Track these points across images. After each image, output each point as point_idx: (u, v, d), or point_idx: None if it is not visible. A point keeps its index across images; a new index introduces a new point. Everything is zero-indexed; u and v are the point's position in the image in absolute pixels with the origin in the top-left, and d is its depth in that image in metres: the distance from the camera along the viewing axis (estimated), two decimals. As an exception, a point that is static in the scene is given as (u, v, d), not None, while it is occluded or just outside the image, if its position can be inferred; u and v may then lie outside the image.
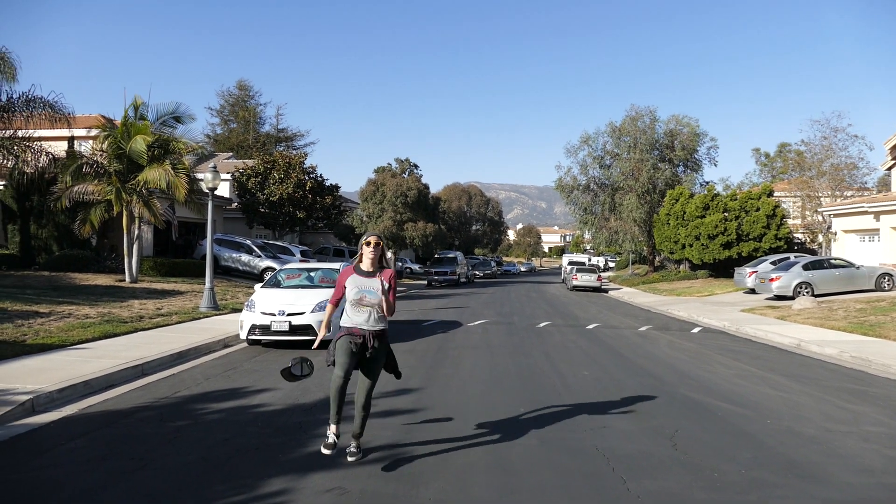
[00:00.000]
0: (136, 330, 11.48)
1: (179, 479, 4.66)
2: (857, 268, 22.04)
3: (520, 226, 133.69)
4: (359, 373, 5.08)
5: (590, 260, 56.57)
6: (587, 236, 62.30)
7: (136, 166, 19.03)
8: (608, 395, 7.76)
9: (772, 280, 21.72)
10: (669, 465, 5.08)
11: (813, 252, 31.39)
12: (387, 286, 4.98)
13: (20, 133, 17.39)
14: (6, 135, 17.01)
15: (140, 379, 8.21)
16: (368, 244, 5.05)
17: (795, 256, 25.71)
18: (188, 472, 4.81)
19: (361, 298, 4.95)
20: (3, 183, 21.54)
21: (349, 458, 4.98)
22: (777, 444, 5.76)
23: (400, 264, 42.17)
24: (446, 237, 46.14)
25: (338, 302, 5.21)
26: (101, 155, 19.95)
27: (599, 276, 34.79)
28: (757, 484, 4.70)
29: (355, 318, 5.00)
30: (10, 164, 19.32)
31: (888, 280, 21.69)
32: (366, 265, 5.03)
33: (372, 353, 4.99)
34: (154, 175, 18.41)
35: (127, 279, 18.95)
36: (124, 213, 18.95)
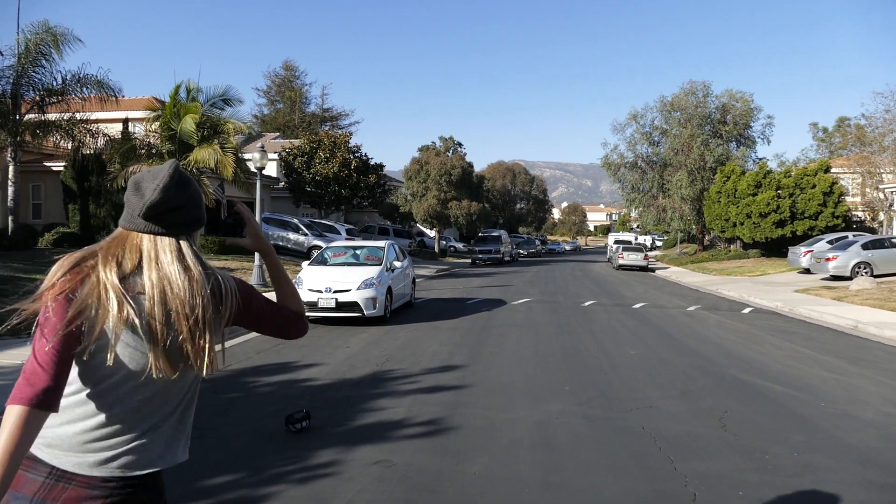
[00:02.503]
0: (189, 305, 11.84)
1: (233, 448, 4.83)
2: (921, 247, 21.05)
3: (564, 204, 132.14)
4: None
5: (636, 238, 55.62)
6: (634, 214, 61.19)
7: (187, 147, 19.50)
8: (655, 375, 7.66)
9: (828, 260, 20.96)
10: (718, 447, 5.00)
11: (873, 231, 30.10)
12: None
13: (78, 115, 18.01)
14: (65, 117, 17.68)
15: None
16: None
17: (854, 235, 24.69)
18: (241, 441, 4.98)
19: None
20: (63, 164, 22.39)
21: None
22: (832, 427, 5.60)
23: (444, 242, 42.30)
24: (490, 216, 45.99)
25: None
26: (153, 136, 20.52)
27: (646, 255, 34.18)
28: (810, 467, 4.59)
29: None
30: (69, 146, 20.10)
31: (955, 260, 20.65)
32: None
33: None
34: (203, 155, 18.83)
35: (179, 256, 19.54)
36: (176, 192, 19.48)
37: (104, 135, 19.86)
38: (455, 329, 11.05)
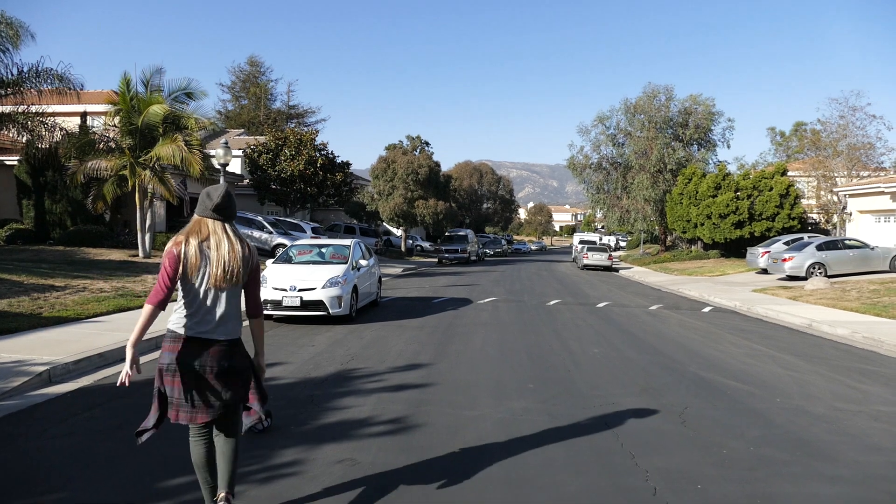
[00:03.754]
0: (149, 304, 11.60)
1: (194, 448, 4.74)
2: (872, 248, 21.82)
3: (531, 204, 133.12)
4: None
5: (601, 239, 56.35)
6: (599, 215, 62.06)
7: (149, 142, 19.07)
8: (618, 372, 7.78)
9: (784, 260, 21.57)
10: (679, 442, 5.11)
11: (827, 232, 31.09)
12: None
13: (34, 108, 17.45)
14: (20, 110, 17.09)
15: (155, 351, 8.30)
16: None
17: (809, 237, 25.46)
18: (202, 442, 4.89)
19: None
20: (17, 158, 21.69)
21: None
22: (786, 422, 5.77)
23: (411, 241, 42.22)
24: (457, 215, 46.08)
25: None
26: (113, 130, 20.00)
27: (610, 255, 34.67)
28: (765, 461, 4.72)
29: None
30: (24, 140, 19.44)
31: (903, 261, 21.46)
32: None
33: None
34: (167, 151, 18.42)
35: (140, 254, 19.11)
36: (137, 188, 19.04)
37: (61, 129, 19.29)
38: (421, 328, 11.04)
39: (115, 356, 7.70)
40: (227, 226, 3.36)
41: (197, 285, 3.30)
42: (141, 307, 11.17)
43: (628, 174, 41.13)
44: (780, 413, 6.06)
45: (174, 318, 3.40)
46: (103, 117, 20.75)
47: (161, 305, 3.22)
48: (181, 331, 3.35)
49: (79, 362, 7.07)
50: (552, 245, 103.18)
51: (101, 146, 19.47)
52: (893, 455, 4.95)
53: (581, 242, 44.46)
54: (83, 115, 22.28)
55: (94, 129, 20.98)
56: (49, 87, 16.85)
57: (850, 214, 27.70)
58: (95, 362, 7.32)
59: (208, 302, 3.34)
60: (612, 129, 42.42)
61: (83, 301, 11.06)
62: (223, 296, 3.35)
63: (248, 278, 3.43)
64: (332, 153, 32.78)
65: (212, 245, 3.29)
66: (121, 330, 8.93)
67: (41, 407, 5.76)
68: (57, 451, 4.67)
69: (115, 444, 4.82)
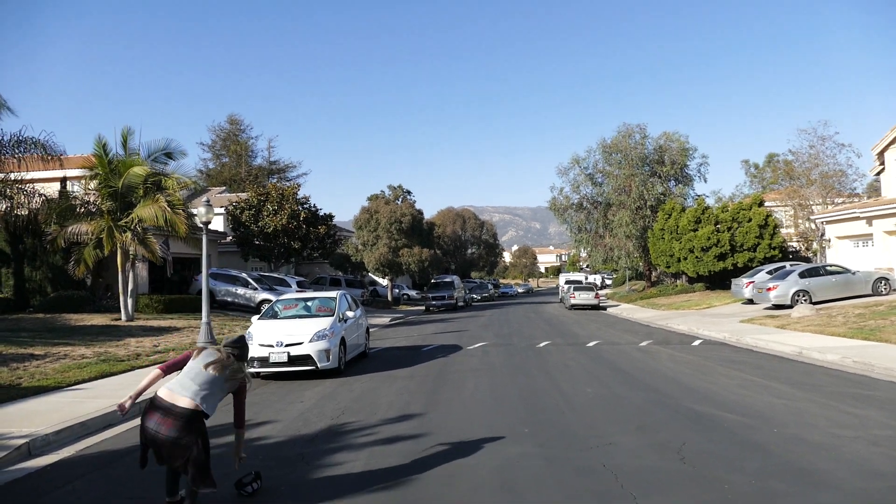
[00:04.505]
0: (132, 368, 11.37)
1: (180, 516, 4.56)
2: (853, 273, 22.08)
3: (515, 247, 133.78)
4: None
5: (587, 278, 56.54)
6: (583, 254, 62.37)
7: (129, 203, 19.03)
8: (612, 411, 7.68)
9: (769, 289, 21.72)
10: (679, 480, 5.02)
11: (808, 259, 31.47)
12: None
13: (13, 175, 17.40)
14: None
15: (138, 418, 8.08)
16: None
17: (791, 265, 25.73)
18: (189, 509, 4.71)
19: None
20: (-5, 227, 21.48)
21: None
22: (785, 452, 5.70)
23: (397, 290, 42.07)
24: (442, 262, 46.12)
25: None
26: (93, 195, 19.95)
27: (597, 294, 34.75)
28: (768, 494, 4.64)
29: None
30: (3, 208, 19.33)
31: (885, 284, 21.72)
32: None
33: None
34: (149, 213, 18.37)
35: (123, 318, 18.82)
36: (118, 251, 18.90)
37: (41, 195, 19.22)
38: (411, 377, 10.89)
39: (97, 424, 7.49)
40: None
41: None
42: (124, 371, 10.94)
43: (609, 212, 41.62)
44: (777, 443, 5.99)
45: None
46: (81, 182, 20.73)
47: (168, 370, 5.06)
48: None
49: (59, 433, 6.85)
50: (538, 287, 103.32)
51: (82, 210, 19.39)
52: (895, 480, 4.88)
53: (567, 283, 44.54)
54: (63, 180, 22.26)
55: (74, 194, 20.93)
56: (30, 155, 16.84)
57: (829, 241, 28.12)
58: (77, 432, 7.10)
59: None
60: (591, 169, 43.10)
61: (64, 368, 10.80)
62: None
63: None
64: (314, 206, 32.92)
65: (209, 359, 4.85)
66: (103, 396, 8.70)
67: (20, 482, 5.55)
68: (36, 528, 4.47)
69: (97, 516, 4.62)
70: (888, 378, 9.43)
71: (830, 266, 23.02)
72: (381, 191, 47.41)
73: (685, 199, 39.63)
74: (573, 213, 43.79)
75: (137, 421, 7.81)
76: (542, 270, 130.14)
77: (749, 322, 18.58)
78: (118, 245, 18.65)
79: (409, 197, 46.48)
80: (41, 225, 19.70)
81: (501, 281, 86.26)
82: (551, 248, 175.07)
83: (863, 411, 7.28)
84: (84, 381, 9.97)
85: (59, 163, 17.61)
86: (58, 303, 20.14)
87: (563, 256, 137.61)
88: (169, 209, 18.62)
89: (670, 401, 8.22)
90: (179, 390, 4.39)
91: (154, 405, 4.40)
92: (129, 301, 19.04)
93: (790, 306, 20.50)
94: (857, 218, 25.12)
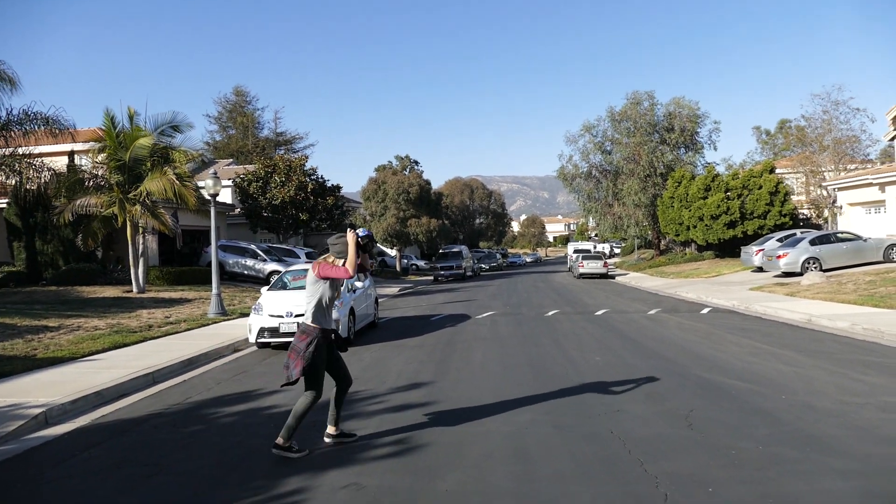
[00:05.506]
0: (145, 339, 11.49)
1: (195, 482, 4.66)
2: (865, 240, 21.89)
3: (523, 217, 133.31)
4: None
5: (595, 247, 56.41)
6: (591, 223, 62.13)
7: (137, 177, 19.04)
8: (621, 379, 7.72)
9: (779, 257, 21.60)
10: (686, 446, 5.05)
11: (819, 227, 31.21)
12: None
13: (21, 150, 17.42)
14: (7, 152, 17.05)
15: (151, 387, 8.21)
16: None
17: (801, 232, 25.54)
18: (204, 475, 4.80)
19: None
20: (6, 201, 21.59)
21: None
22: (793, 419, 5.71)
23: (405, 261, 42.15)
24: (450, 232, 46.12)
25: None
26: (101, 168, 19.97)
27: (605, 263, 34.71)
28: (775, 460, 4.66)
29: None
30: (13, 182, 19.39)
31: (896, 251, 21.54)
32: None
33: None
34: (158, 186, 18.38)
35: (134, 290, 18.99)
36: (128, 224, 18.97)
37: (49, 169, 19.23)
38: (420, 346, 10.96)
39: (112, 394, 7.60)
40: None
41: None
42: (137, 343, 11.08)
43: (618, 180, 41.31)
44: (786, 410, 6.01)
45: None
46: (89, 155, 20.74)
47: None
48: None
49: (75, 402, 6.97)
50: (547, 256, 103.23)
51: (90, 184, 19.43)
52: (904, 445, 4.89)
53: (576, 252, 44.51)
54: (71, 153, 22.26)
55: (82, 167, 20.95)
56: (38, 129, 16.81)
57: (841, 208, 27.84)
58: (92, 401, 7.21)
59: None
60: (600, 137, 42.70)
61: (78, 340, 10.94)
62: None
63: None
64: (321, 177, 32.84)
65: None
66: (117, 367, 8.82)
67: (38, 450, 5.65)
68: (55, 496, 4.57)
69: (115, 482, 4.72)
70: (898, 345, 9.40)
71: (841, 233, 22.83)
72: (389, 161, 47.19)
73: (695, 166, 39.25)
74: (582, 182, 43.52)
75: (150, 390, 7.94)
76: (551, 240, 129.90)
77: (758, 290, 18.52)
78: (128, 218, 18.72)
79: (416, 167, 46.24)
80: (51, 199, 19.79)
81: (510, 250, 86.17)
82: (560, 217, 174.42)
83: (872, 378, 7.27)
84: (97, 351, 10.10)
85: (69, 136, 17.60)
86: (70, 275, 20.33)
87: (571, 225, 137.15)
88: (178, 182, 18.63)
89: (678, 368, 8.25)
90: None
91: None
92: (140, 273, 19.18)
93: (800, 274, 20.40)
94: (870, 184, 24.82)
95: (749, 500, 3.98)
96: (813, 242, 21.61)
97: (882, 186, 24.21)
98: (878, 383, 7.00)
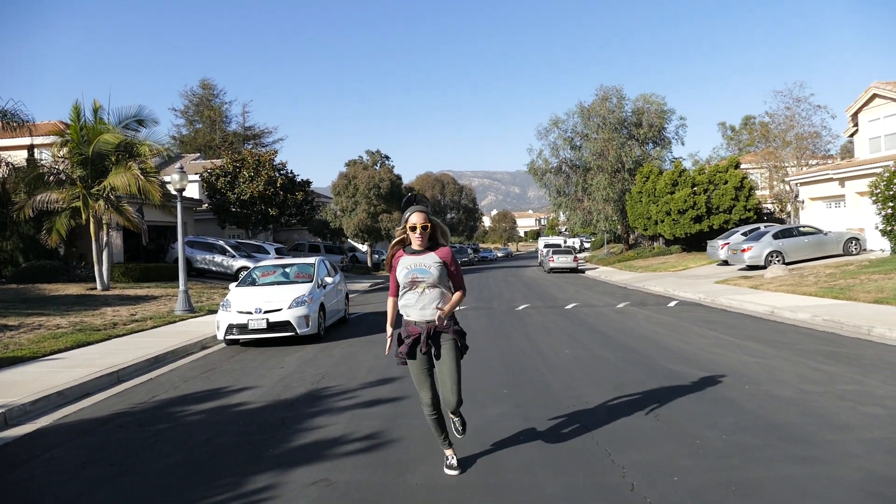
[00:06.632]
0: (109, 337, 11.26)
1: (161, 482, 4.58)
2: (825, 234, 22.50)
3: (494, 212, 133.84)
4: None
5: (565, 242, 56.92)
6: (562, 218, 62.70)
7: (100, 171, 18.61)
8: (590, 371, 7.81)
9: (743, 251, 22.07)
10: (653, 436, 5.14)
11: (782, 221, 31.95)
12: (441, 262, 4.39)
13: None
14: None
15: (116, 386, 8.06)
16: (414, 229, 4.34)
17: (765, 226, 26.12)
18: (170, 474, 4.73)
19: (413, 280, 4.33)
20: (-38, 196, 20.91)
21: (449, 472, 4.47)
22: (756, 408, 5.85)
23: (377, 256, 42.00)
24: (421, 227, 45.97)
25: (396, 292, 4.48)
26: (63, 162, 19.47)
27: (575, 257, 35.06)
28: (739, 448, 4.77)
29: (409, 308, 4.41)
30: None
31: (855, 244, 22.19)
32: (415, 244, 4.41)
33: (434, 352, 4.42)
34: (122, 181, 18.00)
35: (98, 287, 18.58)
36: (92, 220, 18.55)
37: (7, 163, 18.71)
38: (391, 341, 10.93)
39: (75, 393, 7.43)
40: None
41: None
42: (101, 341, 10.84)
43: (587, 175, 41.72)
44: (749, 399, 6.15)
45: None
46: (51, 149, 20.20)
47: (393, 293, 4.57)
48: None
49: (36, 402, 6.80)
50: (518, 251, 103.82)
51: (51, 179, 18.94)
52: (861, 432, 5.05)
53: (546, 246, 44.86)
54: (30, 147, 21.68)
55: (42, 162, 20.40)
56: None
57: (803, 202, 28.52)
58: (54, 401, 7.04)
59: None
60: (570, 133, 43.05)
61: (39, 339, 10.67)
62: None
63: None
64: (291, 172, 32.53)
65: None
66: (80, 366, 8.63)
67: (-3, 452, 5.50)
68: (16, 499, 4.46)
69: (79, 483, 4.62)
70: (855, 335, 9.70)
71: (803, 227, 23.42)
72: (360, 156, 46.84)
73: (662, 161, 39.85)
74: (552, 177, 43.84)
75: (115, 389, 7.79)
76: (522, 234, 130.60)
77: (724, 283, 18.90)
78: (91, 213, 18.29)
79: (387, 162, 46.03)
80: (10, 194, 19.24)
81: (481, 245, 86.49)
82: (530, 212, 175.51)
83: (831, 367, 7.48)
84: (60, 350, 9.86)
85: (28, 131, 17.13)
86: (31, 273, 19.80)
87: (542, 220, 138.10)
88: (142, 177, 18.27)
89: (646, 360, 8.38)
90: None
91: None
92: (104, 270, 18.77)
93: (764, 267, 20.88)
94: (831, 179, 25.47)
95: (713, 487, 4.07)
96: (776, 236, 22.13)
97: (842, 181, 24.87)
98: (836, 372, 7.21)
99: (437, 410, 4.44)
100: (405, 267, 4.34)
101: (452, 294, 4.52)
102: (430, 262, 4.34)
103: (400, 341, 4.44)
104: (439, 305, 4.36)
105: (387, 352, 4.48)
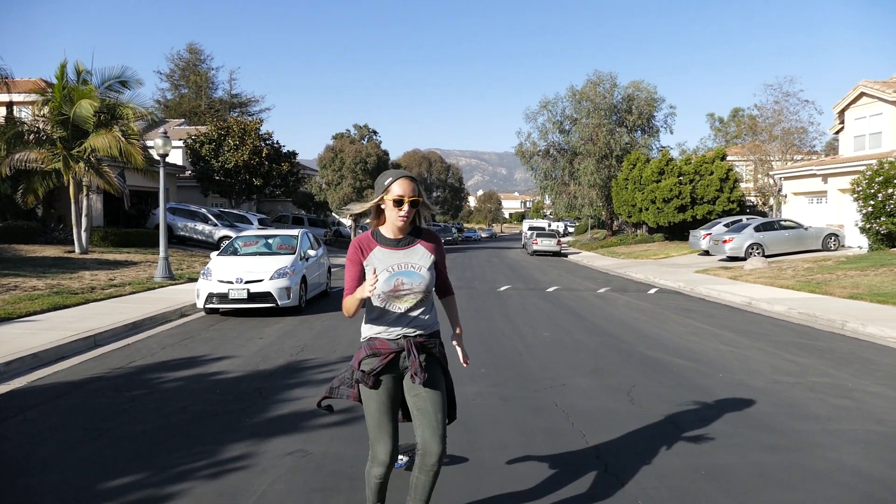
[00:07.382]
0: (87, 301, 11.14)
1: (135, 447, 4.57)
2: (806, 229, 22.80)
3: (480, 192, 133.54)
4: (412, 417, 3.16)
5: (550, 225, 57.07)
6: (547, 202, 62.77)
7: (82, 133, 18.25)
8: (568, 354, 7.89)
9: (725, 242, 22.30)
10: (627, 420, 5.21)
11: (764, 214, 32.28)
12: (433, 260, 3.07)
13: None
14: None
15: (93, 350, 7.99)
16: (399, 203, 2.89)
17: (748, 219, 26.40)
18: (144, 440, 4.72)
19: (397, 289, 2.96)
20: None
21: None
22: (729, 396, 5.95)
23: (361, 231, 41.83)
24: (407, 204, 45.79)
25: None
26: (43, 121, 19.06)
27: (559, 241, 35.21)
28: (710, 434, 4.85)
29: (388, 330, 3.07)
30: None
31: (834, 240, 22.51)
32: (395, 226, 2.98)
33: (420, 379, 2.99)
34: (103, 142, 17.67)
35: (76, 250, 18.33)
36: (72, 181, 18.23)
37: (-15, 120, 18.27)
38: (372, 317, 10.93)
39: (50, 356, 7.36)
40: None
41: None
42: (78, 304, 10.73)
43: (575, 160, 41.75)
44: (723, 388, 6.25)
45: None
46: (32, 107, 19.76)
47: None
48: None
49: (10, 364, 6.72)
50: (502, 232, 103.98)
51: (31, 138, 18.55)
52: (828, 423, 5.17)
53: (530, 229, 44.94)
54: (9, 104, 21.19)
55: (21, 120, 19.96)
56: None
57: (786, 196, 28.82)
58: (29, 363, 6.97)
59: None
60: (559, 116, 42.95)
61: (14, 300, 10.53)
62: None
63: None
64: (277, 142, 32.19)
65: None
66: (56, 329, 8.53)
67: (-31, 411, 5.45)
68: (-13, 457, 4.42)
69: (51, 445, 4.59)
70: (829, 329, 9.88)
71: (784, 221, 23.70)
72: (347, 129, 46.40)
73: (650, 150, 39.96)
74: (539, 160, 43.81)
75: (91, 353, 7.73)
76: (507, 216, 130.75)
77: (704, 273, 19.11)
78: (71, 175, 17.97)
79: (374, 137, 45.64)
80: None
81: (465, 225, 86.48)
82: (516, 194, 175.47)
83: (803, 359, 7.63)
84: (36, 312, 9.75)
85: (5, 87, 16.74)
86: (7, 233, 19.47)
87: (527, 203, 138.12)
88: (123, 139, 17.96)
89: (624, 346, 8.47)
90: None
91: None
92: (83, 233, 18.51)
93: (744, 259, 21.13)
94: (814, 175, 25.73)
95: (683, 471, 4.14)
96: (757, 229, 22.38)
97: (825, 178, 25.14)
98: (808, 364, 7.35)
99: (390, 471, 3.13)
100: (385, 268, 2.94)
101: (436, 299, 3.30)
102: (421, 262, 3.00)
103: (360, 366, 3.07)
104: (428, 314, 3.12)
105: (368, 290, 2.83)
